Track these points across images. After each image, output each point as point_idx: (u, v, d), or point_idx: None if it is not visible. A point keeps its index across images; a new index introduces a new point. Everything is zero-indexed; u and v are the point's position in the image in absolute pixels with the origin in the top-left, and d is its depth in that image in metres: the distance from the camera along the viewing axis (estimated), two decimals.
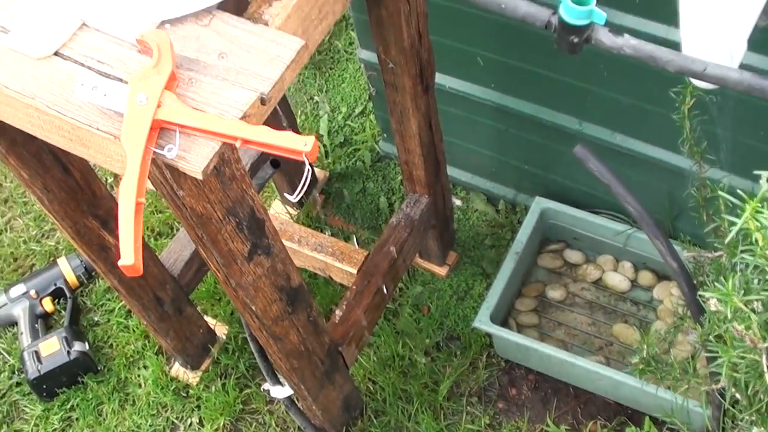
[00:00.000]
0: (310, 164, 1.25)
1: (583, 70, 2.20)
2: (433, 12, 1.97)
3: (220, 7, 1.45)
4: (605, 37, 1.22)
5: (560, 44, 1.25)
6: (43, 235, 3.15)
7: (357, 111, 3.22)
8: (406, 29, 1.87)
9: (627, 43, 1.22)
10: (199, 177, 1.26)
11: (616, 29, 1.24)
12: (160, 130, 1.28)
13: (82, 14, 1.44)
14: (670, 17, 1.45)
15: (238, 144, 1.25)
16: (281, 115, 2.45)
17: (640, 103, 2.20)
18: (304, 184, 1.31)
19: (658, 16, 1.94)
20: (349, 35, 3.39)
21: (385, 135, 3.01)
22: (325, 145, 3.12)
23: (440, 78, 2.32)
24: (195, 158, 1.26)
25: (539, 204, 2.62)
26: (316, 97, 3.29)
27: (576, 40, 1.23)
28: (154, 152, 1.27)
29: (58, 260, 2.95)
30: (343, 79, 3.33)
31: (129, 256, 1.20)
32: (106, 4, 1.42)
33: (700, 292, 1.44)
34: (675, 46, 1.43)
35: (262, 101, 1.32)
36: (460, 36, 2.33)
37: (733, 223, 1.09)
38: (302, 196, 2.89)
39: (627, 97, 2.21)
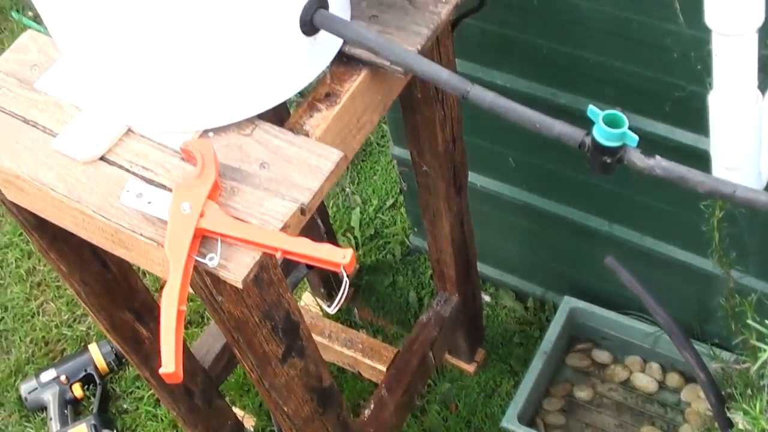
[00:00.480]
0: (347, 276, 1.28)
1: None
2: (466, 113, 2.01)
3: (260, 115, 1.49)
4: (637, 159, 1.25)
5: (593, 164, 1.28)
6: (74, 320, 3.18)
7: (388, 204, 3.26)
8: (440, 135, 1.91)
9: (658, 164, 1.25)
10: (239, 286, 1.30)
11: (648, 151, 1.27)
12: (202, 238, 1.32)
13: (128, 120, 1.49)
14: (700, 126, 1.48)
15: (278, 255, 1.29)
16: (315, 212, 2.48)
17: (670, 207, 2.22)
18: (341, 295, 1.33)
19: (688, 125, 1.97)
20: (382, 128, 3.44)
21: (415, 229, 3.04)
22: (355, 238, 3.15)
23: (472, 177, 2.35)
24: (236, 267, 1.30)
25: (568, 303, 2.64)
26: (347, 189, 3.33)
27: (609, 160, 1.26)
28: (196, 260, 1.30)
29: (89, 346, 2.98)
30: (374, 172, 3.37)
31: (170, 364, 1.23)
32: (151, 111, 1.47)
33: (728, 406, 1.46)
34: (704, 154, 1.47)
35: (302, 211, 1.36)
36: (492, 137, 2.36)
37: (762, 350, 1.11)
38: (332, 288, 2.92)
39: (657, 201, 2.23)
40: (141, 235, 1.36)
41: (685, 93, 1.89)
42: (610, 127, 1.23)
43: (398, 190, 3.25)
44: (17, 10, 4.38)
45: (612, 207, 2.37)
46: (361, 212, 3.22)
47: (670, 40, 1.81)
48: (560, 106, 2.11)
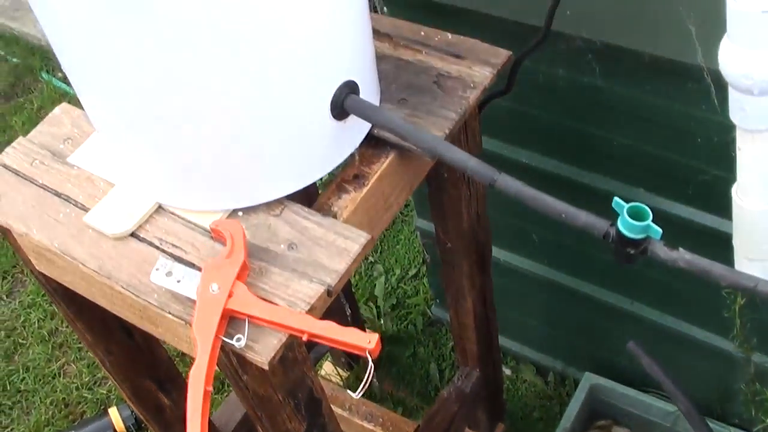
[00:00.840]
0: (372, 360, 1.30)
1: None
2: (490, 192, 2.03)
3: (290, 195, 1.51)
4: (661, 251, 1.27)
5: (617, 255, 1.29)
6: (95, 383, 3.19)
7: (411, 273, 3.27)
8: (466, 213, 1.93)
9: (681, 257, 1.26)
10: (266, 368, 1.31)
11: (671, 233, 1.29)
12: (229, 318, 1.34)
13: (159, 197, 1.52)
14: (724, 209, 1.49)
15: (304, 338, 1.30)
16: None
17: (692, 288, 2.23)
18: (367, 381, 1.34)
19: (711, 208, 1.98)
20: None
21: (437, 300, 3.06)
22: (378, 307, 3.17)
23: (495, 251, 2.37)
24: (262, 349, 1.31)
25: (588, 380, 2.64)
26: (370, 258, 3.35)
27: (632, 252, 1.27)
28: (223, 341, 1.32)
29: (109, 410, 2.99)
30: (398, 241, 3.40)
31: None
32: (182, 189, 1.49)
33: None
34: (728, 237, 1.48)
35: (329, 293, 1.37)
36: (515, 213, 2.38)
37: None
38: (353, 359, 2.93)
39: (678, 281, 2.24)
40: (169, 313, 1.38)
41: (709, 177, 1.91)
42: (634, 220, 1.25)
43: (421, 260, 3.27)
44: (47, 71, 4.44)
45: (634, 285, 2.38)
46: (384, 281, 3.24)
47: (695, 124, 1.84)
48: (584, 185, 2.13)
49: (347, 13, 1.41)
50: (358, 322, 2.69)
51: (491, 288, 2.26)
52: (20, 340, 3.35)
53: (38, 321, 3.40)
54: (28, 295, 3.49)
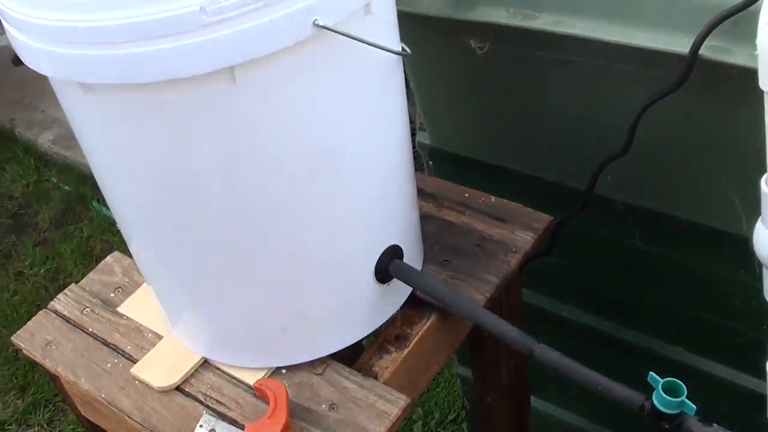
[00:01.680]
0: None
1: None
2: None
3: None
4: (695, 427, 1.28)
5: (651, 428, 1.31)
6: None
7: (450, 418, 3.26)
8: (505, 368, 1.95)
9: None
10: None
11: (706, 419, 1.30)
12: None
13: (205, 352, 1.56)
14: (761, 371, 1.50)
15: None
16: None
17: None
18: None
19: (749, 370, 1.99)
20: None
21: None
22: None
23: (532, 400, 2.37)
24: None
25: None
26: None
27: (666, 426, 1.29)
28: None
29: None
30: (437, 383, 3.39)
31: None
32: (228, 347, 1.53)
33: None
34: (764, 398, 1.48)
35: None
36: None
37: None
38: None
39: None
40: None
41: (747, 339, 1.92)
42: (669, 395, 1.27)
43: (460, 405, 3.26)
44: (98, 200, 4.51)
45: None
46: (423, 425, 3.23)
47: (733, 288, 1.85)
48: (624, 341, 2.14)
49: (395, 184, 1.47)
50: None
51: None
52: None
53: None
54: (69, 425, 3.50)
